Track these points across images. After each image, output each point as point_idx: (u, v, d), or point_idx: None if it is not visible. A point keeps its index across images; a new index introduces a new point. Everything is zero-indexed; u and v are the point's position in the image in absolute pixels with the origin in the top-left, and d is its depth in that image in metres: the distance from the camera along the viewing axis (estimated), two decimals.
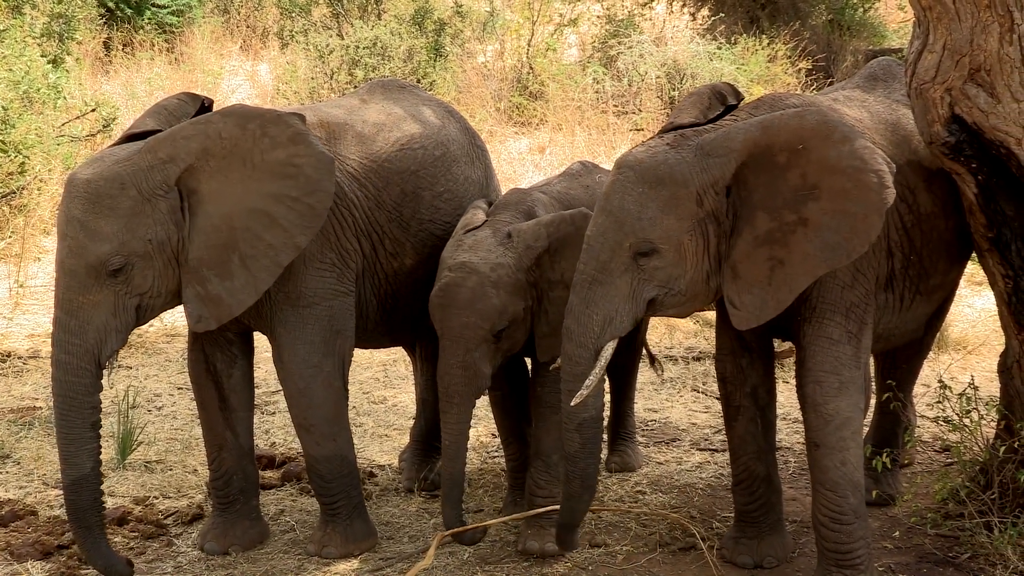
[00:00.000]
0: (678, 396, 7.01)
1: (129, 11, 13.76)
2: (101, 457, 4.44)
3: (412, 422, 5.96)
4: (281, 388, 4.88)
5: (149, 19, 13.76)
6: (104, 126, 10.30)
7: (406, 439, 6.02)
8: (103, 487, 4.47)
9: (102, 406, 4.46)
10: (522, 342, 4.78)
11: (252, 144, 4.47)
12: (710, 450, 6.15)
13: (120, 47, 13.40)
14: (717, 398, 6.20)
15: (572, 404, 4.26)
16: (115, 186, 4.31)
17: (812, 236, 4.18)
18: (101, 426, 4.44)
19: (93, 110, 10.43)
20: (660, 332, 7.88)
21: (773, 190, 4.20)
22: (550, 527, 4.83)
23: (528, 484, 4.92)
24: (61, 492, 5.39)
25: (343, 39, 12.68)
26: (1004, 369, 4.89)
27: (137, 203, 4.34)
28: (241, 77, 13.54)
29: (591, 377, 4.24)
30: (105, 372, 4.43)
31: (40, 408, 6.45)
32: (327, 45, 12.38)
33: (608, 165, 10.07)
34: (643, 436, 6.28)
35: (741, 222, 4.23)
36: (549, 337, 4.76)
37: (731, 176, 4.19)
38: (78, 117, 10.39)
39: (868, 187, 4.15)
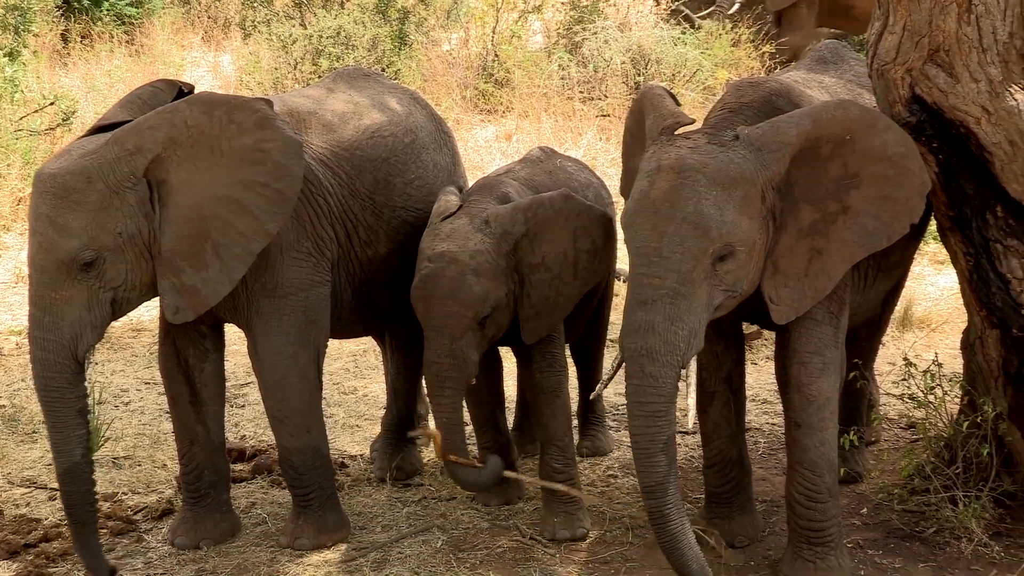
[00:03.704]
0: None
1: (87, 2, 13.59)
2: None
3: (383, 412, 5.96)
4: (251, 380, 4.87)
5: (107, 10, 13.59)
6: (64, 119, 10.20)
7: (377, 429, 6.02)
8: None
9: None
10: (506, 327, 4.77)
11: (219, 131, 4.43)
12: (680, 432, 6.15)
13: (78, 39, 13.23)
14: (685, 381, 6.23)
15: (691, 426, 4.18)
16: (82, 180, 4.27)
17: (851, 223, 4.23)
18: (89, 412, 4.43)
19: (52, 103, 10.31)
20: None
21: (815, 182, 4.21)
22: (576, 511, 4.87)
23: (545, 472, 4.94)
24: (27, 490, 5.39)
25: (306, 29, 12.59)
26: (967, 346, 4.95)
27: (105, 196, 4.29)
28: (203, 68, 13.42)
29: (690, 398, 4.12)
30: (84, 368, 4.40)
31: (3, 406, 6.40)
32: (290, 35, 12.29)
33: (575, 152, 10.02)
34: (614, 420, 6.30)
35: (785, 216, 4.21)
36: (533, 320, 4.77)
37: (785, 170, 4.16)
38: (36, 111, 10.28)
39: (911, 172, 4.24)
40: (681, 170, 4.06)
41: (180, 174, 4.41)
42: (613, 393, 6.65)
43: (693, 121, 4.31)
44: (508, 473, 4.85)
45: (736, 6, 13.26)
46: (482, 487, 4.82)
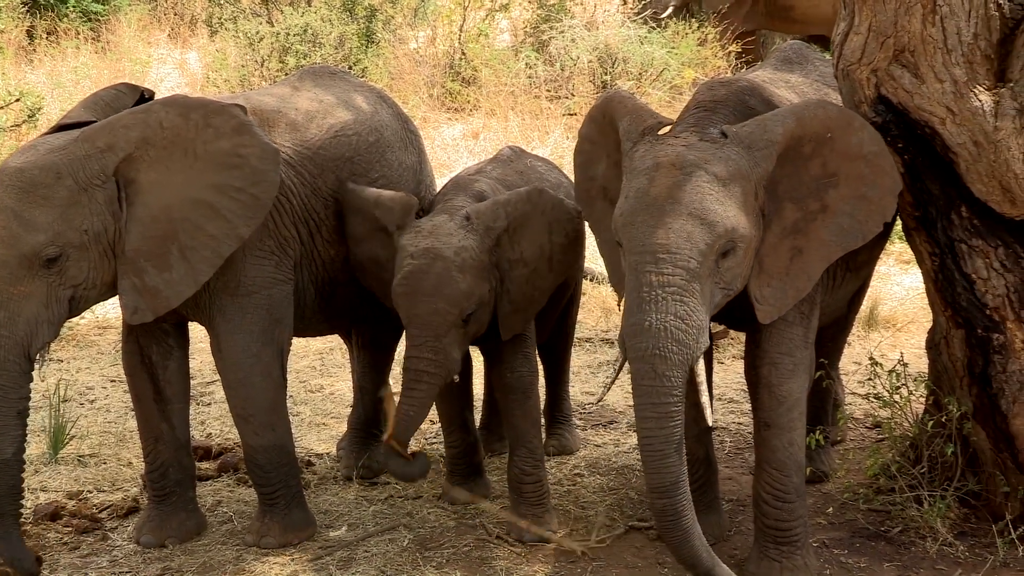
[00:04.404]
0: None
1: None
2: (33, 452, 4.37)
3: (349, 410, 5.94)
4: (217, 379, 4.84)
5: (73, 7, 13.48)
6: (29, 116, 10.10)
7: (344, 428, 6.00)
8: (37, 482, 4.39)
9: (32, 400, 4.39)
10: (487, 324, 4.75)
11: (195, 134, 4.41)
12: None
13: (44, 36, 13.12)
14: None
15: (711, 422, 4.13)
16: (50, 175, 4.23)
17: (829, 222, 4.25)
18: (28, 415, 4.37)
19: (17, 100, 10.21)
20: (596, 316, 7.91)
21: (797, 181, 4.22)
22: (543, 514, 4.87)
23: (513, 473, 4.92)
24: None
25: (273, 26, 12.54)
26: (932, 345, 4.98)
27: (73, 193, 4.25)
28: (170, 66, 13.33)
29: (704, 396, 4.06)
30: (36, 365, 4.35)
31: None
32: (257, 32, 12.23)
33: (542, 150, 10.04)
34: (580, 419, 6.30)
35: (770, 214, 4.20)
36: (511, 315, 4.76)
37: (772, 169, 4.15)
38: (2, 108, 10.17)
39: (885, 171, 4.28)
40: (683, 166, 4.02)
41: (150, 175, 4.38)
42: (579, 392, 6.66)
43: (673, 122, 4.30)
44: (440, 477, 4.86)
45: (670, 10, 13.30)
46: (402, 478, 4.88)
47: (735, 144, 4.09)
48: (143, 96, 4.71)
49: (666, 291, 3.93)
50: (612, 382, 4.38)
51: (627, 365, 4.13)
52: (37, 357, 4.34)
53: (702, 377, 4.05)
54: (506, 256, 4.73)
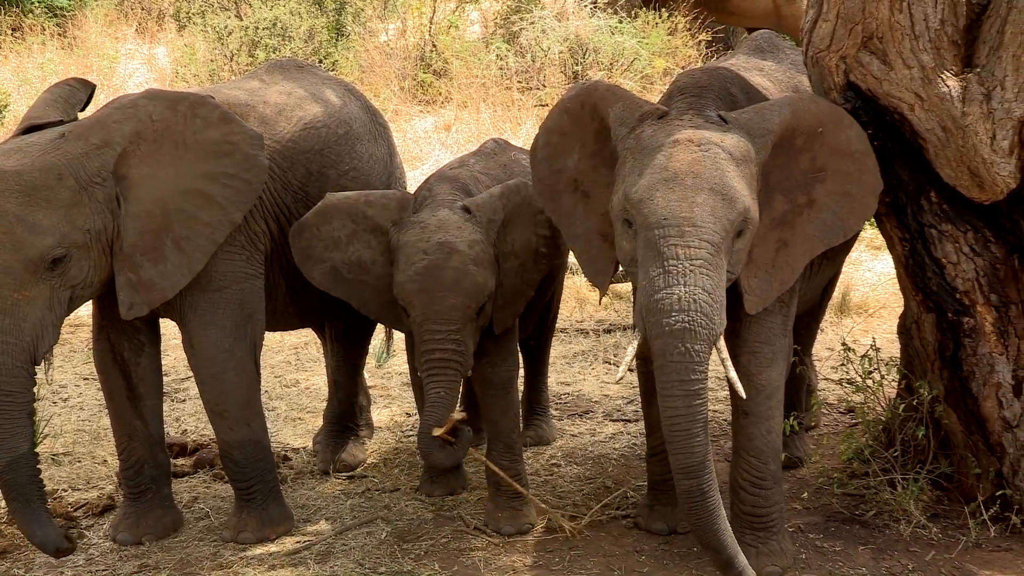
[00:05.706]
0: (590, 369, 7.07)
1: None
2: None
3: (325, 404, 5.93)
4: (192, 375, 4.82)
5: (38, 2, 13.38)
6: None
7: (319, 422, 6.00)
8: None
9: None
10: (491, 316, 4.74)
11: (184, 125, 4.42)
12: (623, 421, 6.21)
13: (9, 32, 13.01)
14: (630, 369, 6.27)
15: (743, 398, 4.12)
16: (52, 177, 4.18)
17: (814, 217, 4.27)
18: (35, 412, 4.36)
19: None
20: (570, 306, 7.92)
21: (788, 172, 4.24)
22: (522, 507, 4.87)
23: (492, 467, 4.91)
24: None
25: (242, 20, 12.48)
26: (903, 330, 5.02)
27: (75, 193, 4.21)
28: (138, 61, 13.24)
29: (731, 373, 4.02)
30: (40, 368, 4.31)
31: None
32: (226, 26, 12.17)
33: (514, 142, 10.07)
34: (557, 409, 6.32)
35: (761, 204, 4.18)
36: (502, 309, 4.75)
37: (768, 158, 4.16)
38: None
39: (869, 170, 4.32)
40: (701, 143, 3.98)
41: (142, 169, 4.37)
42: (555, 382, 6.67)
43: (667, 109, 4.24)
44: (476, 454, 4.81)
45: None
46: (449, 465, 4.78)
47: (737, 129, 4.10)
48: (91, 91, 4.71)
49: (693, 263, 3.86)
50: (631, 359, 4.17)
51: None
52: (42, 359, 4.29)
53: (726, 353, 4.00)
54: (500, 248, 4.73)
